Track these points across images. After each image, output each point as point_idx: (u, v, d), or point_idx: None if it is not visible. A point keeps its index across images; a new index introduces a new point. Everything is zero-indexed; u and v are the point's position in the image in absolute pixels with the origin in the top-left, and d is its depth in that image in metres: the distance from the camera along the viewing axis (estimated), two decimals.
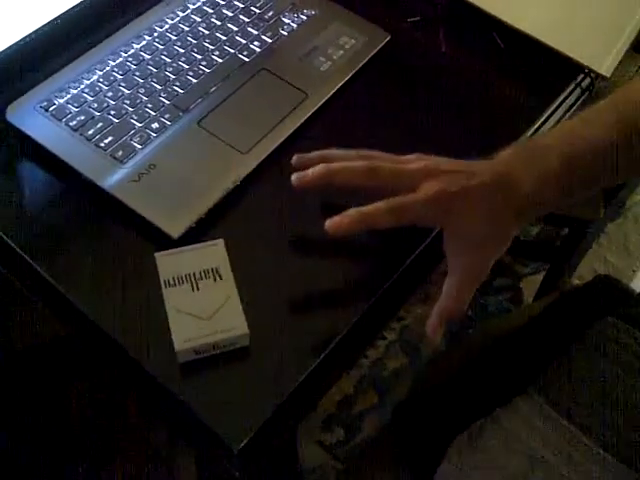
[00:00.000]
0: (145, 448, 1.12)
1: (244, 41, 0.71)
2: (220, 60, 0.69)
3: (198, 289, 0.53)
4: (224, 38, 0.71)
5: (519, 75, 0.72)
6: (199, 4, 0.73)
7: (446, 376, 0.74)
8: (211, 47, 0.70)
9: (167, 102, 0.65)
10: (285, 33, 0.72)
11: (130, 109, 0.64)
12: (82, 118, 0.63)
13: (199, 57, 0.69)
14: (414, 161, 0.55)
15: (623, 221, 1.63)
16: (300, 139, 0.64)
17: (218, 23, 0.72)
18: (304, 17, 0.73)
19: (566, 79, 0.72)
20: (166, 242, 0.57)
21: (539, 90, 0.71)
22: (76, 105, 0.64)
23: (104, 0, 0.70)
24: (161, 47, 0.69)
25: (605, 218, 1.37)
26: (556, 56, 0.72)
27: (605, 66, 0.72)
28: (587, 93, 0.73)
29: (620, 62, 0.73)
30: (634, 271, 1.56)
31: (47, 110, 0.64)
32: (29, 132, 0.62)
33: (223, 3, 0.73)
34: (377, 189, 0.54)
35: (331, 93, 0.68)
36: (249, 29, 0.72)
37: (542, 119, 0.69)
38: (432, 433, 0.69)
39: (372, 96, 0.70)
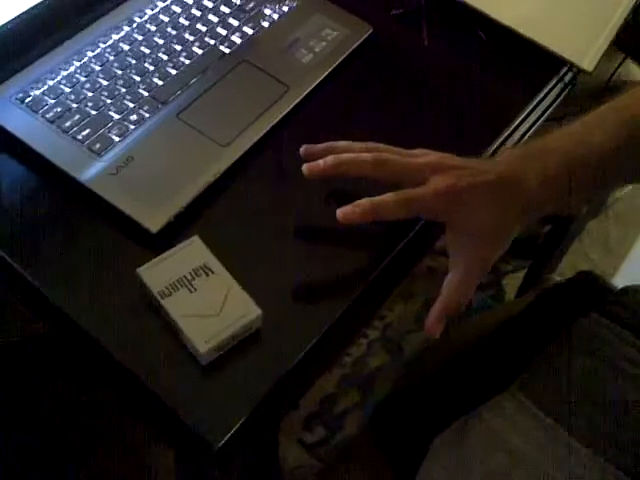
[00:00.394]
0: (123, 447, 1.11)
1: (225, 32, 0.70)
2: (200, 52, 0.68)
3: (195, 290, 0.52)
4: (204, 29, 0.70)
5: (502, 69, 0.72)
6: None
7: (428, 374, 0.74)
8: (191, 38, 0.69)
9: (146, 94, 0.64)
10: (266, 25, 0.71)
11: (108, 101, 0.63)
12: (59, 110, 0.62)
13: (179, 48, 0.68)
14: (420, 155, 0.56)
15: (604, 218, 1.64)
16: (281, 132, 0.64)
17: (198, 14, 0.71)
18: (286, 9, 0.73)
19: (549, 73, 0.72)
20: (144, 236, 0.56)
21: (521, 84, 0.71)
22: (53, 97, 0.63)
23: None
24: (140, 38, 0.68)
25: (587, 215, 1.38)
26: (539, 50, 0.72)
27: (587, 61, 0.72)
28: (569, 87, 0.73)
29: (601, 57, 0.73)
30: (615, 268, 1.57)
31: (23, 102, 0.62)
32: (4, 124, 0.61)
33: None
34: (384, 181, 0.56)
35: (313, 86, 0.67)
36: (230, 20, 0.71)
37: (525, 113, 0.68)
38: (414, 431, 0.69)
39: (354, 89, 0.69)
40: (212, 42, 0.69)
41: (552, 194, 0.56)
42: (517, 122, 0.68)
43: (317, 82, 0.67)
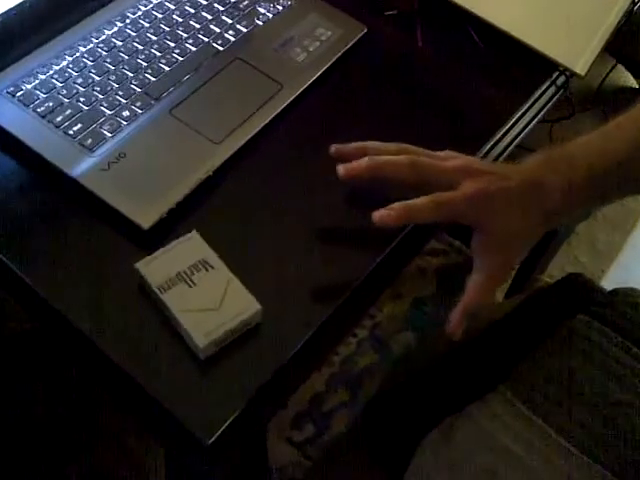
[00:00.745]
0: (117, 446, 1.10)
1: (218, 30, 0.69)
2: (194, 48, 0.68)
3: (195, 284, 0.52)
4: (198, 26, 0.69)
5: (495, 71, 0.72)
6: None
7: (417, 372, 0.74)
8: (185, 35, 0.68)
9: (138, 90, 0.64)
10: (260, 23, 0.71)
11: (100, 96, 0.63)
12: (50, 104, 0.62)
13: (172, 45, 0.67)
14: (448, 158, 0.57)
15: (593, 221, 1.65)
16: (274, 130, 0.64)
17: (192, 11, 0.71)
18: (280, 7, 0.73)
19: (541, 76, 0.72)
20: (136, 233, 0.56)
21: (514, 86, 0.71)
22: (44, 91, 0.62)
23: None
24: (133, 34, 0.68)
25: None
26: (531, 53, 0.72)
27: (580, 64, 0.72)
28: (562, 91, 0.73)
29: (593, 61, 0.73)
30: (603, 271, 1.58)
31: (14, 96, 0.62)
32: None
33: None
34: (417, 184, 0.56)
35: (306, 85, 0.67)
36: (224, 18, 0.71)
37: (517, 115, 0.69)
38: (403, 430, 0.69)
39: (347, 88, 0.69)
40: (206, 39, 0.68)
41: (575, 201, 0.58)
42: (509, 125, 0.68)
43: (311, 81, 0.67)
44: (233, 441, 0.50)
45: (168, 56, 0.66)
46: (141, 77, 0.65)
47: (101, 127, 0.61)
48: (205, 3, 0.71)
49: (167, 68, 0.66)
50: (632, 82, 1.12)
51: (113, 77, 0.64)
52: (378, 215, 0.54)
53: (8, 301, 0.59)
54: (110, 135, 0.60)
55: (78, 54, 0.65)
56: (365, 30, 0.72)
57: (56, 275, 0.55)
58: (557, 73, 0.73)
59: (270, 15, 0.72)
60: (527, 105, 0.70)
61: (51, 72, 0.64)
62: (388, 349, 1.38)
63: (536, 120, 0.71)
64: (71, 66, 0.64)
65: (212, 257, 0.54)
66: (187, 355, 0.51)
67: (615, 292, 0.69)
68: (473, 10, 0.74)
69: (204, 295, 0.52)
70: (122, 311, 0.53)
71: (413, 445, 0.64)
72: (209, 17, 0.70)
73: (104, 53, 0.66)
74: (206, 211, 0.58)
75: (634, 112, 0.59)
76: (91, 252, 0.56)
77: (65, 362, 1.05)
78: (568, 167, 0.57)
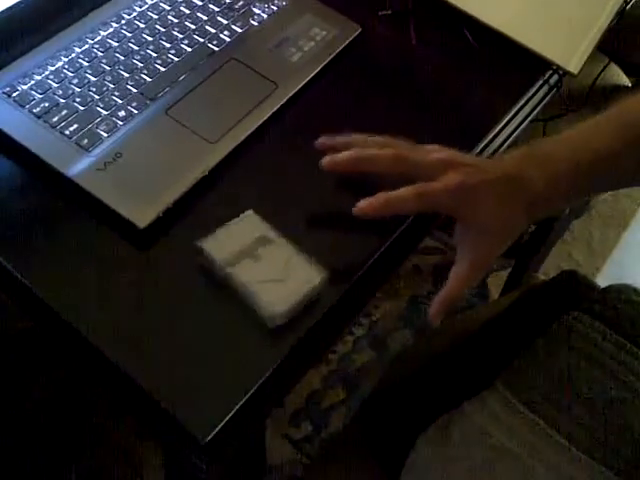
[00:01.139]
0: (114, 446, 1.10)
1: (214, 30, 0.70)
2: (189, 49, 0.68)
3: (260, 259, 0.54)
4: (193, 27, 0.70)
5: (488, 70, 0.73)
6: None
7: (414, 370, 0.74)
8: (180, 36, 0.69)
9: (134, 90, 0.64)
10: (255, 23, 0.71)
11: (96, 96, 0.63)
12: (46, 105, 0.62)
13: (168, 45, 0.68)
14: (432, 151, 0.58)
15: (588, 219, 1.65)
16: (269, 130, 0.64)
17: (187, 12, 0.71)
18: (275, 8, 0.73)
19: (534, 75, 0.73)
20: (132, 232, 0.56)
21: (507, 85, 0.71)
22: (40, 91, 0.63)
23: None
24: (129, 34, 0.68)
25: (570, 216, 1.39)
26: (525, 52, 0.73)
27: (573, 63, 0.72)
28: (555, 90, 0.73)
29: (586, 60, 0.74)
30: (597, 268, 1.59)
31: (10, 96, 0.62)
32: None
33: None
34: (398, 176, 0.57)
35: (301, 84, 0.67)
36: (219, 18, 0.71)
37: (510, 114, 0.69)
38: (400, 427, 0.69)
39: (342, 88, 0.69)
40: (201, 40, 0.69)
41: (556, 194, 0.58)
42: (502, 123, 0.68)
43: (306, 81, 0.67)
44: (230, 439, 0.50)
45: (164, 56, 0.67)
46: (137, 77, 0.65)
47: (97, 127, 0.61)
48: (200, 4, 0.72)
49: (163, 68, 0.66)
50: (625, 80, 1.13)
51: (109, 77, 0.64)
52: (358, 206, 0.55)
53: (7, 300, 0.59)
54: (106, 135, 0.61)
55: (74, 55, 0.66)
56: (359, 30, 0.72)
57: (51, 274, 0.55)
58: (550, 72, 0.73)
59: (265, 15, 0.72)
60: (520, 104, 0.70)
61: (47, 73, 0.64)
62: (385, 347, 1.38)
63: (529, 119, 0.71)
64: (67, 67, 0.65)
65: (271, 232, 0.55)
66: (185, 353, 0.51)
67: (609, 289, 0.69)
68: (467, 10, 0.74)
69: (271, 268, 0.53)
70: (118, 310, 0.53)
71: (410, 442, 0.65)
72: (204, 18, 0.71)
73: (100, 54, 0.66)
74: (201, 210, 0.59)
75: (618, 107, 0.60)
76: (87, 251, 0.56)
77: (64, 362, 1.05)
78: (549, 159, 0.58)
